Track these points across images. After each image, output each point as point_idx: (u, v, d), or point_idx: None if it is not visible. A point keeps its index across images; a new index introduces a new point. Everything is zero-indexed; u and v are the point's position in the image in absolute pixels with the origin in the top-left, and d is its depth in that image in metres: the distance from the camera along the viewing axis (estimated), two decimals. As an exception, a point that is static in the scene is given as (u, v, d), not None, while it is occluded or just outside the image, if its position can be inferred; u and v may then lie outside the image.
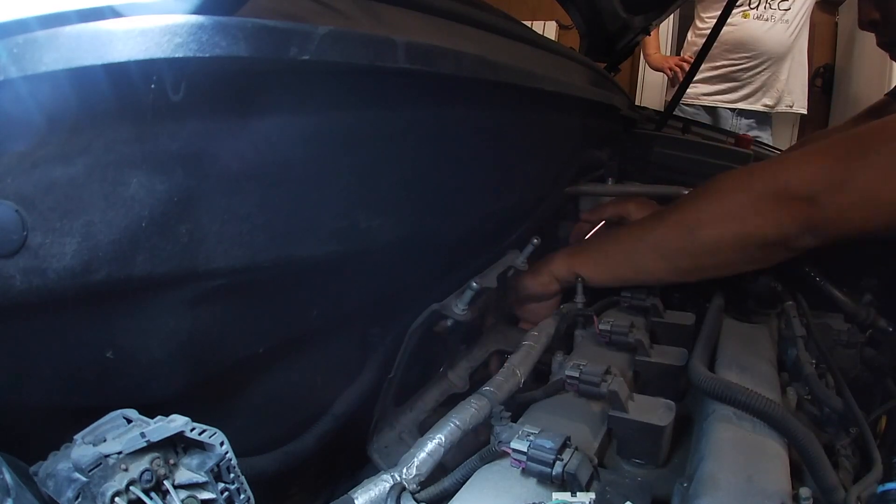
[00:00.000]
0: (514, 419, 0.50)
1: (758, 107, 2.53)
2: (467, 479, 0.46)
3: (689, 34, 2.66)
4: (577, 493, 0.40)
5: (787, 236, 0.68)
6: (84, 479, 0.30)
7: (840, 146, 0.66)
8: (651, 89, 3.32)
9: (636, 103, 1.65)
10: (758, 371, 0.62)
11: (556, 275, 0.83)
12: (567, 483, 0.42)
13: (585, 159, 1.03)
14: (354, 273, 0.55)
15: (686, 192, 1.06)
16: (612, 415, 0.54)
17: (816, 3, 2.60)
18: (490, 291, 0.68)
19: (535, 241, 0.78)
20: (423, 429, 0.67)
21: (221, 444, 0.33)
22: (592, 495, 0.40)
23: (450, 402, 0.72)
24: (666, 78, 2.71)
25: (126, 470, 0.30)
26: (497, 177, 0.71)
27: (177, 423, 0.32)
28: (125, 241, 0.34)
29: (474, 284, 0.60)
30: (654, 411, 0.54)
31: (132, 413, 0.34)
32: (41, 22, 0.29)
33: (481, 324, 0.87)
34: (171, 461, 0.32)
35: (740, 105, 2.54)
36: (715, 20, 1.42)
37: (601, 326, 0.70)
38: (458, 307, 0.61)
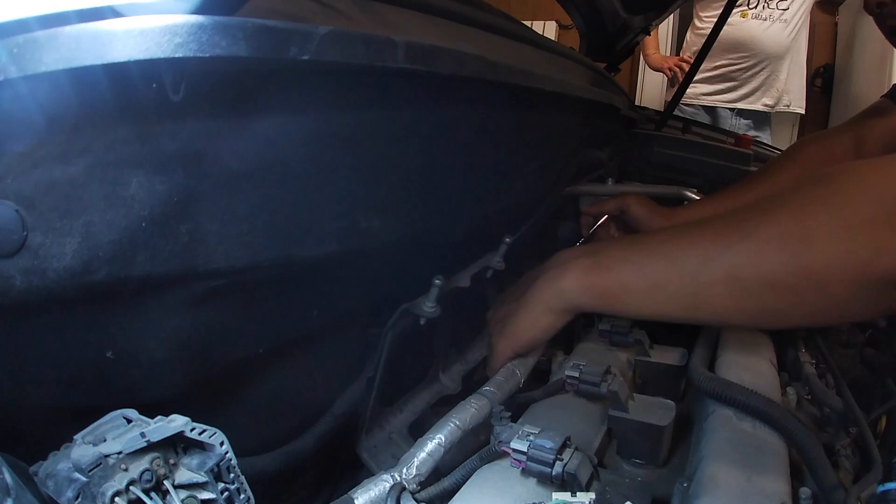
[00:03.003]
0: (514, 419, 0.50)
1: (758, 106, 2.53)
2: (467, 479, 0.46)
3: (689, 34, 2.66)
4: (577, 493, 0.40)
5: None
6: (84, 479, 0.30)
7: None
8: (651, 89, 3.33)
9: (636, 103, 1.65)
10: (758, 371, 0.62)
11: (569, 305, 0.59)
12: (567, 483, 0.42)
13: (585, 159, 1.03)
14: (354, 273, 0.55)
15: (689, 193, 1.04)
16: (612, 415, 0.54)
17: (816, 3, 2.60)
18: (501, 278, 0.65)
19: (507, 239, 0.74)
20: (414, 430, 0.67)
21: (221, 444, 0.33)
22: (592, 495, 0.40)
23: (441, 404, 0.73)
24: (666, 78, 2.71)
25: (126, 470, 0.30)
26: (497, 177, 0.71)
27: (177, 423, 0.32)
28: (125, 241, 0.34)
29: (437, 282, 0.61)
30: (654, 411, 0.54)
31: (132, 413, 0.34)
32: (41, 22, 0.29)
33: (475, 324, 0.87)
34: (171, 461, 0.32)
35: (740, 105, 2.54)
36: (713, 20, 1.42)
37: (601, 326, 0.70)
38: (427, 305, 0.61)
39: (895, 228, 0.45)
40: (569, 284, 0.59)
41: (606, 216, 1.01)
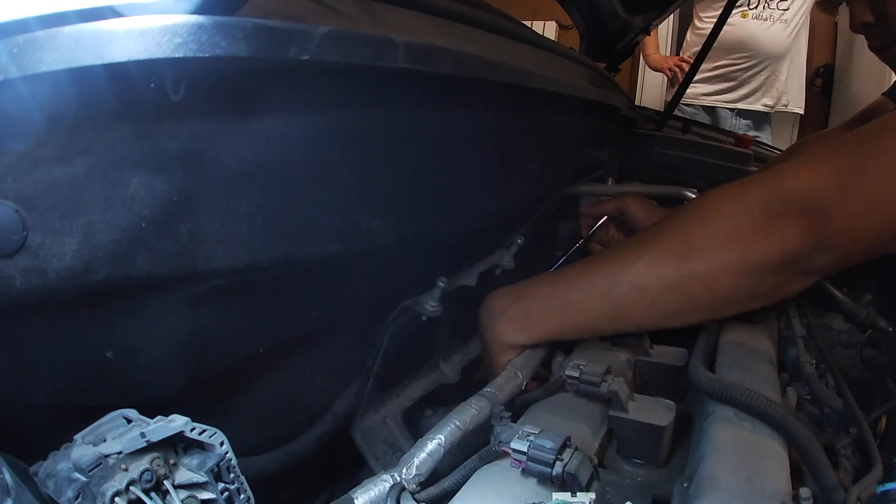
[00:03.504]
0: (514, 419, 0.50)
1: (757, 107, 2.53)
2: (467, 479, 0.46)
3: (689, 34, 2.66)
4: (577, 493, 0.40)
5: (795, 255, 0.58)
6: (84, 479, 0.30)
7: (843, 148, 0.59)
8: (651, 89, 3.33)
9: (636, 103, 1.65)
10: (758, 371, 0.62)
11: (509, 341, 0.66)
12: (567, 483, 0.42)
13: (585, 159, 1.03)
14: (354, 273, 0.55)
15: (689, 193, 1.06)
16: (612, 415, 0.54)
17: (816, 2, 2.60)
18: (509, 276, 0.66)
19: (520, 240, 0.77)
20: (407, 416, 0.68)
21: (221, 444, 0.33)
22: (592, 495, 0.40)
23: (438, 393, 0.73)
24: (666, 78, 2.71)
25: (126, 470, 0.30)
26: (497, 177, 0.71)
27: (177, 423, 0.32)
28: (125, 241, 0.34)
29: (440, 284, 0.61)
30: (654, 411, 0.54)
31: (132, 413, 0.34)
32: (41, 22, 0.29)
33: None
34: (171, 461, 0.32)
35: (740, 105, 2.54)
36: (713, 20, 1.42)
37: (601, 326, 0.70)
38: (429, 303, 0.62)
39: (760, 231, 0.57)
40: (507, 335, 0.66)
41: (606, 217, 1.01)
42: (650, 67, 2.74)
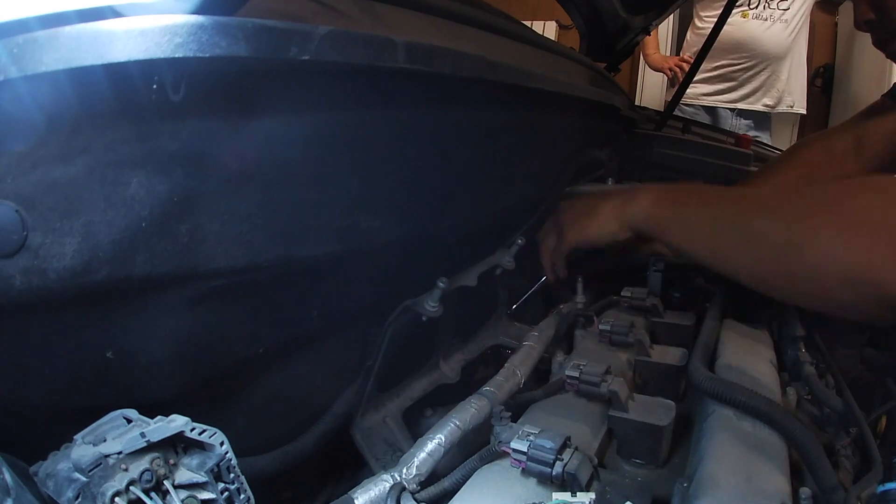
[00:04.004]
0: (514, 419, 0.50)
1: (758, 107, 2.53)
2: (467, 479, 0.46)
3: (689, 34, 2.66)
4: (577, 493, 0.40)
5: None
6: (84, 479, 0.30)
7: None
8: (651, 89, 3.32)
9: (636, 103, 1.65)
10: (758, 371, 0.62)
11: (633, 224, 0.71)
12: (567, 483, 0.42)
13: (585, 159, 1.03)
14: (354, 273, 0.55)
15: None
16: (612, 415, 0.54)
17: (816, 2, 2.60)
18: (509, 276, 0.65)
19: (520, 241, 0.78)
20: (407, 416, 0.68)
21: (221, 444, 0.33)
22: (592, 495, 0.40)
23: (438, 393, 0.73)
24: (666, 78, 2.71)
25: (126, 470, 0.30)
26: (497, 177, 0.71)
27: (177, 423, 0.32)
28: (125, 241, 0.34)
29: (441, 284, 0.61)
30: (654, 411, 0.54)
31: (132, 413, 0.34)
32: (41, 22, 0.29)
33: (481, 317, 0.87)
34: (171, 461, 0.32)
35: (740, 105, 2.54)
36: (714, 20, 1.42)
37: (601, 326, 0.70)
38: (430, 304, 0.62)
39: (879, 243, 0.51)
40: (637, 206, 0.71)
41: None
42: (650, 67, 2.74)
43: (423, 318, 0.63)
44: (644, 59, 2.73)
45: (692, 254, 0.68)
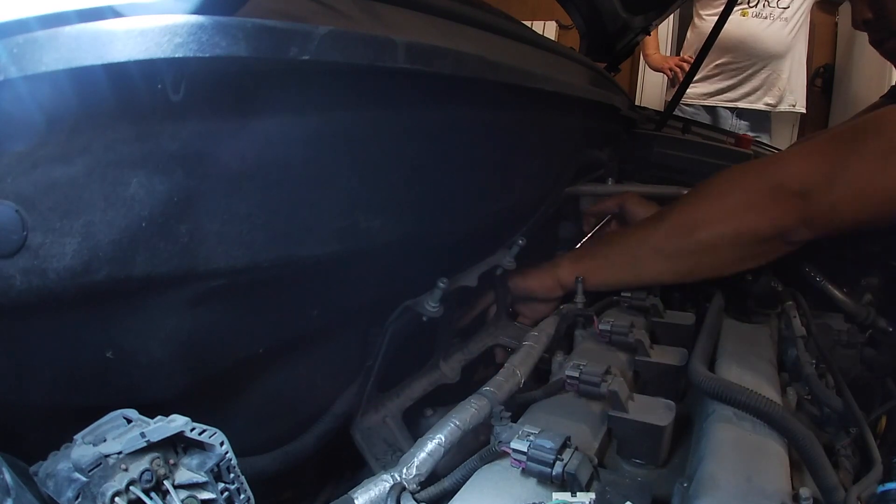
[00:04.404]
0: (514, 419, 0.50)
1: (759, 105, 2.53)
2: (467, 479, 0.46)
3: (689, 34, 2.66)
4: (577, 493, 0.40)
5: (783, 231, 0.71)
6: (84, 479, 0.30)
7: (831, 142, 0.70)
8: (651, 89, 3.32)
9: (636, 103, 1.65)
10: (758, 371, 0.62)
11: (562, 281, 0.84)
12: (567, 483, 0.42)
13: (585, 159, 1.03)
14: (354, 273, 0.55)
15: (685, 192, 1.07)
16: (612, 415, 0.54)
17: (816, 3, 2.60)
18: (502, 280, 0.66)
19: (521, 241, 0.79)
20: (407, 416, 0.68)
21: (221, 444, 0.33)
22: (592, 495, 0.40)
23: (438, 393, 0.73)
24: (666, 78, 2.71)
25: (126, 470, 0.30)
26: (497, 177, 0.71)
27: (177, 423, 0.32)
28: (125, 241, 0.34)
29: (441, 284, 0.61)
30: (654, 411, 0.54)
31: (132, 413, 0.34)
32: (41, 22, 0.29)
33: (480, 318, 0.87)
34: (171, 461, 0.32)
35: (741, 104, 2.53)
36: (714, 17, 1.41)
37: (601, 326, 0.70)
38: (430, 304, 0.62)
39: (754, 209, 0.71)
40: (561, 271, 0.84)
41: (609, 216, 1.02)
42: (650, 67, 2.73)
43: (424, 319, 0.63)
44: (644, 59, 2.73)
45: (615, 283, 0.82)
